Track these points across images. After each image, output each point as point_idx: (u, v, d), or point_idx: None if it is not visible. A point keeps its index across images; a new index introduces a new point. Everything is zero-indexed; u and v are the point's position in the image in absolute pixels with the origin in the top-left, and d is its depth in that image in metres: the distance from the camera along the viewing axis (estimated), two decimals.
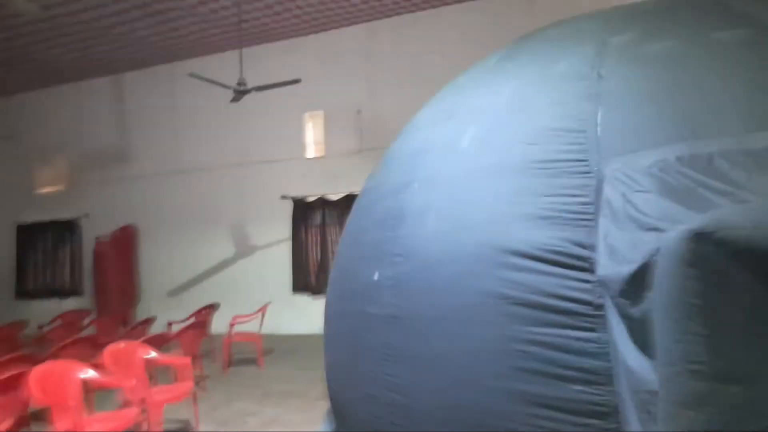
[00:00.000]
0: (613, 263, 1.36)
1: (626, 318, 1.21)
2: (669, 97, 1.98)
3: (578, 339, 1.78)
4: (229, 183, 9.11)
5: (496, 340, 1.94)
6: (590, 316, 1.77)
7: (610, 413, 1.70)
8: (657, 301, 0.96)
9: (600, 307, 1.75)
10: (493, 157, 2.23)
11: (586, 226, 1.86)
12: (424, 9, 8.01)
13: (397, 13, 8.13)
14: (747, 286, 0.83)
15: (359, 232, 2.83)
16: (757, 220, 0.84)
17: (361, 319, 2.54)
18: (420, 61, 7.94)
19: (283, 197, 8.63)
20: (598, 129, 2.00)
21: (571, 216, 1.90)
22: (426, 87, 6.81)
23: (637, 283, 1.14)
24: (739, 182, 1.42)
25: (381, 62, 8.30)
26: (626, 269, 1.19)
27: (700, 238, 0.84)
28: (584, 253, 1.83)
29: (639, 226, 1.40)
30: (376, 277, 2.48)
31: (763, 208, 0.90)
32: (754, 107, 1.83)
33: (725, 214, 0.89)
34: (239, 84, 6.53)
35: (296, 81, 6.65)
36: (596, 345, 1.75)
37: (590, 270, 1.80)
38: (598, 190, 1.79)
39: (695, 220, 0.88)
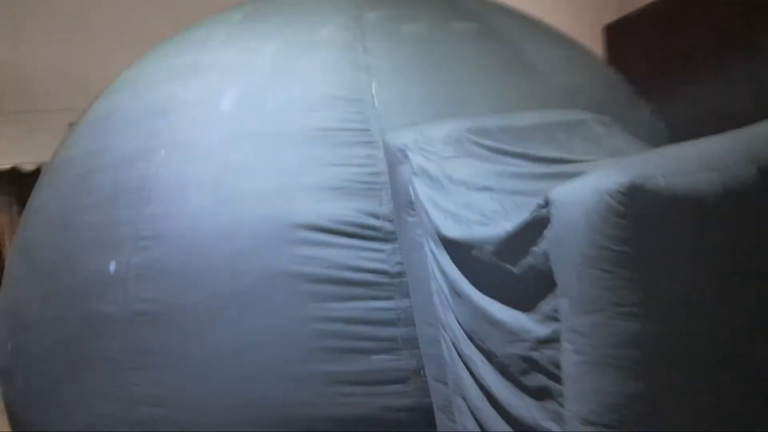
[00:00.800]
0: (463, 225, 1.38)
1: (499, 274, 1.23)
2: (430, 76, 2.12)
3: (377, 309, 1.76)
4: None
5: (291, 323, 1.76)
6: (387, 285, 1.77)
7: (409, 377, 1.75)
8: (569, 253, 1.00)
9: (396, 275, 1.78)
10: (267, 123, 2.00)
11: (376, 196, 1.85)
12: None
13: None
14: (674, 232, 0.93)
15: (70, 214, 2.18)
16: (674, 169, 0.95)
17: (86, 324, 1.99)
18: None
19: None
20: (375, 100, 2.01)
21: (360, 186, 1.86)
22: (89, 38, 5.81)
23: (518, 239, 1.17)
24: (525, 150, 1.62)
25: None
26: (505, 227, 1.21)
27: (631, 190, 0.90)
28: (377, 223, 1.82)
29: (467, 187, 1.45)
30: (112, 268, 1.96)
31: (676, 157, 1.03)
32: (496, 90, 2.13)
33: (641, 166, 0.98)
34: None
35: None
36: (394, 312, 1.77)
37: (384, 239, 1.81)
38: (390, 161, 1.80)
39: (614, 173, 0.94)
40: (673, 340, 0.92)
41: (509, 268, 1.23)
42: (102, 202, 2.09)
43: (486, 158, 1.57)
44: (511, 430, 1.33)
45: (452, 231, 1.43)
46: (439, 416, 1.64)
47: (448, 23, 2.39)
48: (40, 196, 2.47)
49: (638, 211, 0.92)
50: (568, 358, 1.07)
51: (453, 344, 1.52)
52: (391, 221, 1.81)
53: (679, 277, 0.92)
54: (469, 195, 1.44)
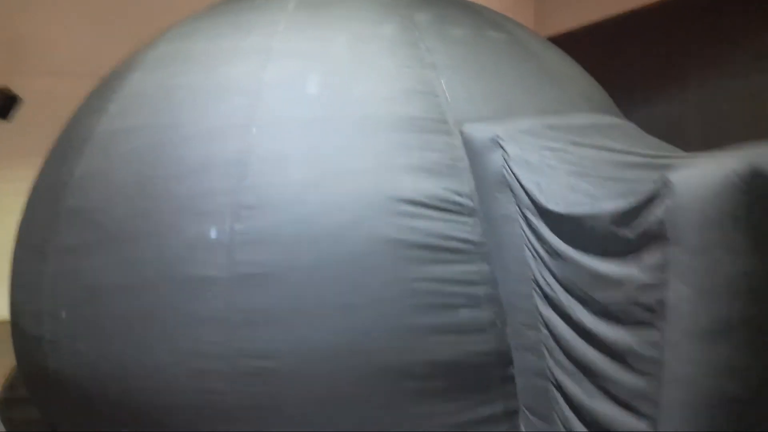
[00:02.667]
0: (570, 203, 1.76)
1: (610, 239, 1.64)
2: (485, 76, 2.47)
3: (463, 271, 2.09)
4: None
5: (393, 283, 2.04)
6: (471, 251, 2.11)
7: (487, 328, 2.11)
8: (692, 222, 1.41)
9: (479, 243, 2.12)
10: (354, 108, 2.24)
11: (457, 177, 2.18)
12: None
13: None
14: None
15: (147, 183, 2.25)
16: None
17: (183, 287, 2.09)
18: None
19: None
20: (447, 95, 2.33)
21: (444, 168, 2.17)
22: None
23: (636, 211, 1.57)
24: (599, 143, 2.04)
25: None
26: (624, 203, 1.60)
27: (752, 174, 1.33)
28: (461, 200, 2.14)
29: (567, 173, 1.84)
30: (213, 234, 2.09)
31: None
32: (537, 93, 2.54)
33: (753, 156, 1.41)
34: None
35: None
36: (477, 274, 2.11)
37: (467, 214, 2.14)
38: (476, 149, 2.13)
39: (733, 161, 1.38)
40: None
41: (624, 232, 1.64)
42: (190, 173, 2.19)
43: (569, 150, 1.97)
44: (601, 355, 1.75)
45: (559, 207, 1.81)
46: (522, 355, 2.02)
47: (484, 31, 2.76)
48: (88, 164, 2.46)
49: (756, 190, 1.38)
50: (677, 291, 1.51)
51: (546, 296, 1.92)
52: (471, 199, 2.16)
53: None
54: (569, 179, 1.83)
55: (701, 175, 1.46)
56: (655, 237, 1.57)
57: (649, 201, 1.58)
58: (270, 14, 2.63)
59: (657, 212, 1.56)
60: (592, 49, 5.60)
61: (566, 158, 1.92)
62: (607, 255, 1.71)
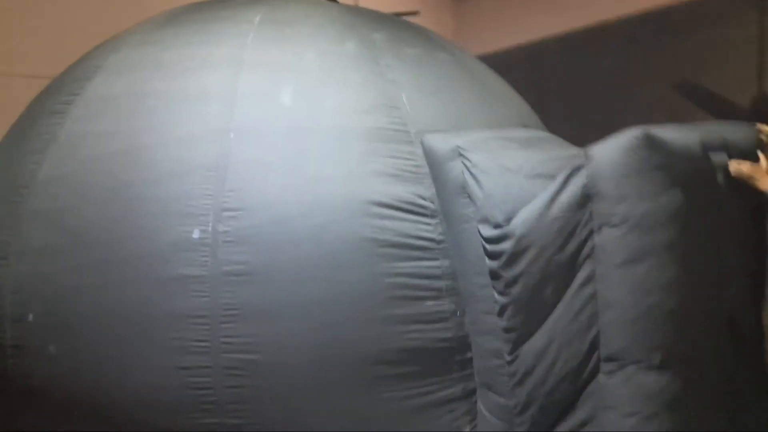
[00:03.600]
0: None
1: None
2: (440, 93, 2.75)
3: (428, 267, 2.34)
4: None
5: (368, 278, 2.24)
6: (434, 249, 2.36)
7: (449, 317, 2.36)
8: (608, 176, 1.84)
9: (440, 241, 2.38)
10: (329, 119, 2.43)
11: (421, 182, 2.42)
12: None
13: None
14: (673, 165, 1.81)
15: (120, 187, 2.30)
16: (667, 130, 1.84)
17: (166, 286, 2.18)
18: None
19: None
20: (408, 109, 2.57)
21: (410, 174, 2.41)
22: None
23: (563, 186, 1.97)
24: (541, 149, 2.39)
25: None
26: (547, 192, 1.98)
27: (648, 136, 1.78)
28: (425, 203, 2.38)
29: (524, 176, 2.15)
30: (196, 235, 2.18)
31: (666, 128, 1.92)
32: (484, 111, 2.85)
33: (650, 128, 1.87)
34: None
35: None
36: (439, 269, 2.36)
37: (430, 215, 2.39)
38: (437, 158, 2.39)
39: (634, 130, 1.83)
40: None
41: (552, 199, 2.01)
42: (169, 176, 2.27)
43: (521, 155, 2.29)
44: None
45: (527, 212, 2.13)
46: (481, 339, 2.29)
47: (433, 52, 3.05)
48: (53, 167, 2.44)
49: (652, 147, 1.84)
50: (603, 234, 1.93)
51: None
52: (432, 202, 2.41)
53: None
54: (524, 181, 2.15)
55: (611, 143, 1.98)
56: (581, 201, 1.97)
57: (574, 172, 1.98)
58: (237, 26, 2.75)
59: (580, 181, 1.95)
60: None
61: (519, 162, 2.23)
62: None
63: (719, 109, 4.20)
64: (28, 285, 2.33)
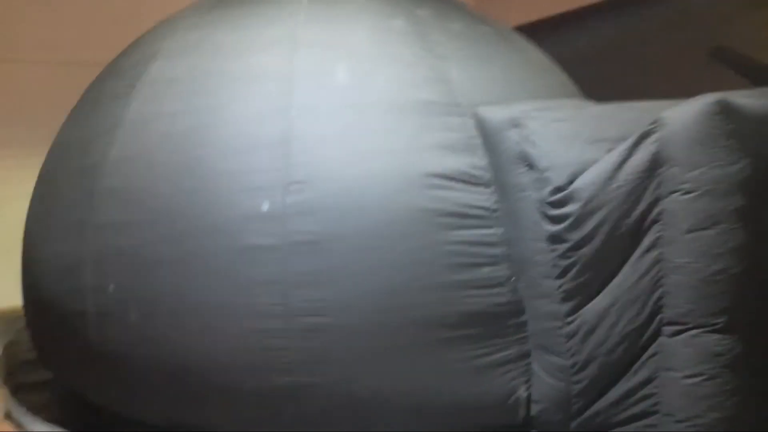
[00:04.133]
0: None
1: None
2: (486, 65, 2.83)
3: (484, 234, 2.44)
4: None
5: (429, 246, 2.35)
6: (489, 217, 2.46)
7: (504, 282, 2.47)
8: (682, 143, 1.91)
9: (495, 210, 2.48)
10: (383, 95, 2.52)
11: (474, 153, 2.52)
12: None
13: None
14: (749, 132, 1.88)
15: (192, 163, 2.43)
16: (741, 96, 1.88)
17: (240, 255, 2.31)
18: None
19: None
20: (457, 82, 2.66)
21: (463, 146, 2.51)
22: None
23: (632, 149, 2.06)
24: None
25: None
26: (621, 148, 2.05)
27: (723, 103, 1.84)
28: (479, 173, 2.48)
29: (584, 140, 2.22)
30: (265, 207, 2.31)
31: (751, 94, 1.96)
32: (528, 81, 2.92)
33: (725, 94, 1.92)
34: None
35: None
36: (495, 236, 2.46)
37: (484, 185, 2.49)
38: (492, 129, 2.48)
39: (708, 97, 1.88)
40: None
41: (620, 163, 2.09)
42: (237, 152, 2.40)
43: (574, 119, 2.37)
44: None
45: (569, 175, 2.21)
46: (538, 303, 2.39)
47: (476, 26, 3.11)
48: (124, 147, 2.58)
49: (726, 114, 1.90)
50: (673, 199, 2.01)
51: None
52: (486, 172, 2.50)
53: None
54: (584, 146, 2.23)
55: (685, 110, 1.99)
56: (648, 165, 2.05)
57: (643, 137, 2.04)
58: (287, 7, 2.85)
59: (651, 146, 2.03)
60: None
61: (576, 128, 2.31)
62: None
63: (757, 74, 4.20)
64: (107, 258, 2.49)
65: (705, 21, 4.81)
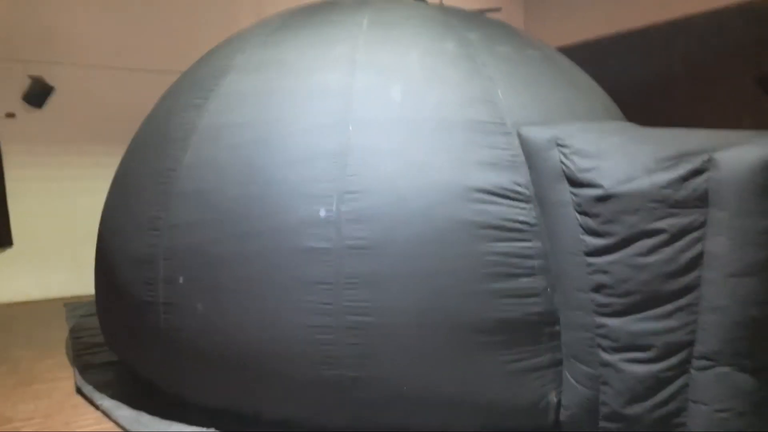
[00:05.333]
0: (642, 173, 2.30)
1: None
2: (531, 87, 2.99)
3: (523, 247, 2.60)
4: None
5: (470, 255, 2.53)
6: (528, 231, 2.62)
7: (540, 293, 2.62)
8: (732, 189, 2.01)
9: (534, 224, 2.64)
10: (433, 113, 2.73)
11: (517, 170, 2.69)
12: None
13: None
14: None
15: (256, 171, 2.68)
16: None
17: (298, 256, 2.54)
18: None
19: None
20: (503, 103, 2.83)
21: (507, 163, 2.68)
22: None
23: (683, 179, 2.17)
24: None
25: None
26: (673, 175, 2.17)
27: None
28: (521, 189, 2.65)
29: (628, 162, 2.35)
30: (323, 213, 2.54)
31: None
32: (572, 102, 3.07)
33: None
34: None
35: None
36: (532, 249, 2.62)
37: (525, 200, 2.65)
38: (534, 148, 2.64)
39: (763, 148, 1.97)
40: None
41: (671, 196, 2.19)
42: (298, 162, 2.64)
43: (615, 139, 2.50)
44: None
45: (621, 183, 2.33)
46: (572, 314, 2.54)
47: (523, 49, 3.28)
48: (196, 153, 2.86)
49: None
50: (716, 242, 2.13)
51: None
52: (527, 188, 2.66)
53: None
54: (624, 158, 2.36)
55: (740, 155, 2.08)
56: (695, 202, 2.17)
57: (695, 173, 2.16)
58: (348, 30, 3.09)
59: (700, 183, 2.15)
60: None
61: (617, 143, 2.45)
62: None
63: None
64: (178, 253, 2.77)
65: (748, 49, 4.81)
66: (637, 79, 5.60)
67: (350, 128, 2.66)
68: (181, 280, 2.73)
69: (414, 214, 2.54)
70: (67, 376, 3.63)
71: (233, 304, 2.63)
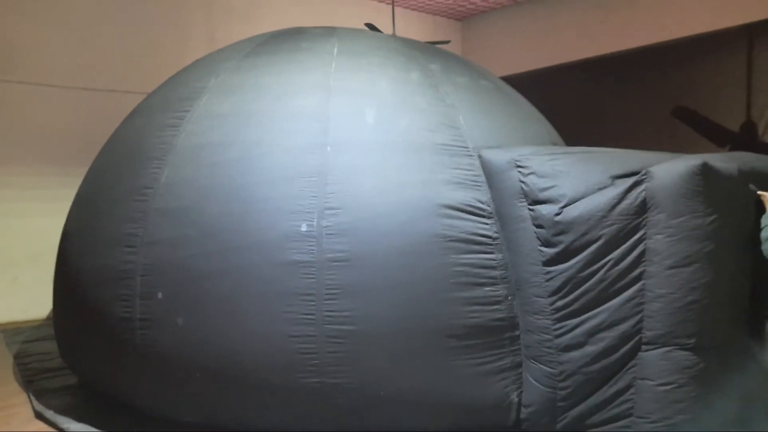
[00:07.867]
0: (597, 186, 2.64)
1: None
2: (487, 115, 3.30)
3: (486, 259, 2.86)
4: None
5: (441, 266, 2.76)
6: (491, 244, 2.88)
7: (502, 301, 2.87)
8: (666, 198, 2.38)
9: (496, 238, 2.90)
10: (404, 136, 2.96)
11: (479, 189, 2.95)
12: None
13: None
14: (722, 192, 2.36)
15: (237, 189, 2.80)
16: (716, 159, 2.35)
17: (280, 269, 2.67)
18: None
19: None
20: (465, 128, 3.11)
21: (470, 182, 2.94)
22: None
23: (624, 194, 2.53)
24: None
25: None
26: (614, 190, 2.53)
27: (706, 165, 2.34)
28: (483, 206, 2.92)
29: (577, 179, 2.67)
30: (304, 228, 2.69)
31: (712, 157, 2.43)
32: (523, 130, 3.40)
33: (703, 158, 2.39)
34: None
35: None
36: (495, 261, 2.88)
37: (487, 216, 2.92)
38: (494, 168, 2.92)
39: (693, 158, 2.37)
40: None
41: (617, 204, 2.55)
42: (279, 180, 2.78)
43: (567, 159, 2.83)
44: None
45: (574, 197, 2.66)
46: (531, 318, 2.80)
47: (478, 80, 3.60)
48: (174, 172, 2.93)
49: (707, 175, 2.40)
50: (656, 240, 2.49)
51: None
52: (489, 205, 2.93)
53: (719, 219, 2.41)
54: (578, 174, 2.69)
55: (672, 168, 2.48)
56: (636, 209, 2.55)
57: (635, 185, 2.55)
58: (320, 57, 3.29)
59: (640, 192, 2.54)
60: None
61: (569, 164, 2.78)
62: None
63: (713, 133, 4.80)
64: (157, 269, 2.81)
65: (670, 81, 5.43)
66: (569, 107, 6.15)
67: (328, 149, 2.84)
68: (160, 295, 2.78)
69: (390, 229, 2.74)
70: (21, 402, 3.51)
71: (215, 317, 2.71)
